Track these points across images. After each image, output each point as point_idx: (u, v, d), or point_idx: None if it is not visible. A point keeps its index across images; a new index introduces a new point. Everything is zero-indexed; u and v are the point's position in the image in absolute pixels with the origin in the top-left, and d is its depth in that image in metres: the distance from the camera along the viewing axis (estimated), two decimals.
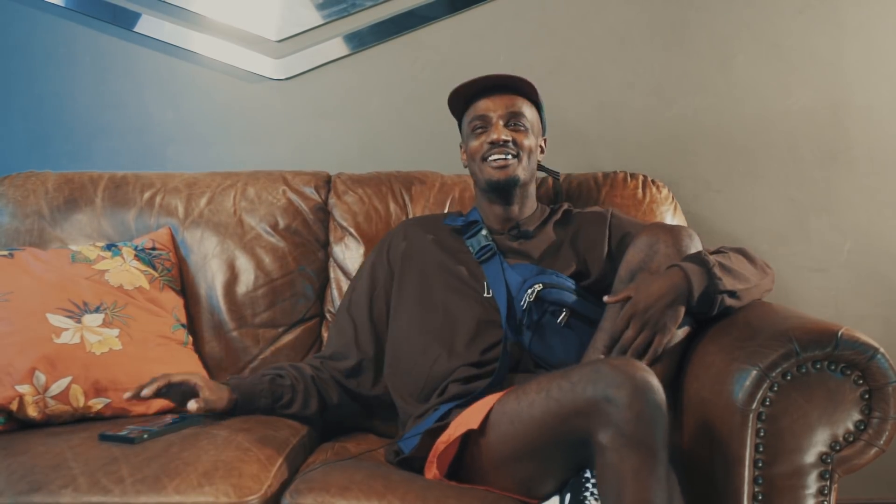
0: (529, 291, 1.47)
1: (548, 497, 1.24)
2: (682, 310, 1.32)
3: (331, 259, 1.86)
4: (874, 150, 2.09)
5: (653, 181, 1.90)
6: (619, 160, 2.05)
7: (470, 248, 1.59)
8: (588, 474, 1.19)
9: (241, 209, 1.85)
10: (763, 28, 2.08)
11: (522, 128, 1.58)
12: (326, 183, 1.91)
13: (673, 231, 1.38)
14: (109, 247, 1.74)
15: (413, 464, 1.39)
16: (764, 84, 2.08)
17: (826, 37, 2.07)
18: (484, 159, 1.57)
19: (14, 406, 1.45)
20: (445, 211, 1.85)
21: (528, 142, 1.58)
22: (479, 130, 1.58)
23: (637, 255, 1.38)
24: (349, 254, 1.83)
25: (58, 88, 2.10)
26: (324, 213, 1.88)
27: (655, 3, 2.08)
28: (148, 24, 2.07)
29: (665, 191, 1.89)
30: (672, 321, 1.31)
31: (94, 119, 2.10)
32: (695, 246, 1.37)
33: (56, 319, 1.55)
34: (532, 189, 1.65)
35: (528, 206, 1.64)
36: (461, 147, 1.68)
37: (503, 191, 1.58)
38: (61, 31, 2.08)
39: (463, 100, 1.62)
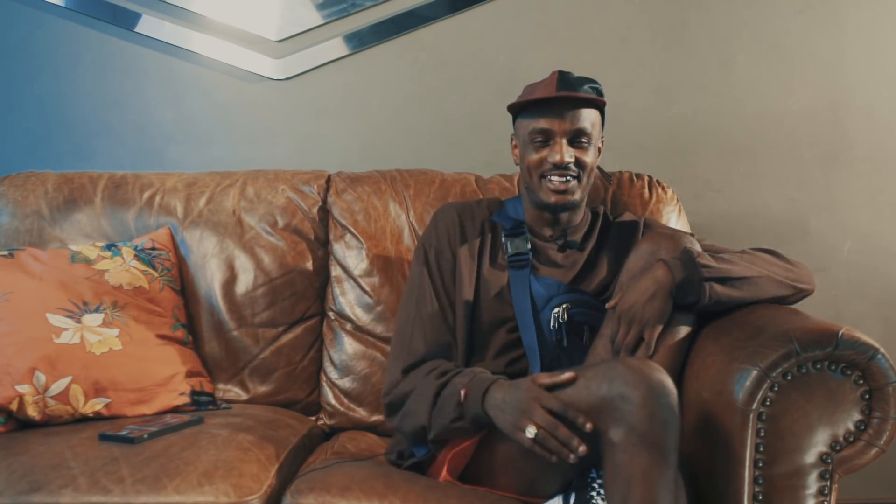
0: (558, 310, 1.44)
1: (551, 497, 1.24)
2: (668, 302, 1.30)
3: (331, 257, 1.85)
4: (874, 150, 2.09)
5: (658, 181, 1.89)
6: (619, 160, 2.05)
7: (505, 248, 1.51)
8: (594, 474, 1.19)
9: (241, 209, 1.85)
10: (763, 28, 2.08)
11: (586, 144, 1.46)
12: (325, 182, 1.91)
13: (674, 238, 1.36)
14: (109, 247, 1.74)
15: (419, 465, 1.39)
16: (764, 84, 2.08)
17: (826, 37, 2.07)
18: (543, 176, 1.46)
19: (14, 406, 1.45)
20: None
21: (590, 158, 1.47)
22: (540, 143, 1.46)
23: (638, 262, 1.36)
24: (350, 252, 1.83)
25: (58, 88, 2.10)
26: (323, 211, 1.88)
27: (655, 4, 2.08)
28: (148, 25, 2.07)
29: (670, 191, 1.89)
30: (656, 314, 1.30)
31: (94, 119, 2.10)
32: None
33: (56, 319, 1.55)
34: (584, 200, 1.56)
35: (578, 214, 1.56)
36: (512, 139, 1.57)
37: (555, 212, 1.51)
38: (62, 31, 2.08)
39: (521, 104, 1.50)
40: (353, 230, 1.84)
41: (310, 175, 1.91)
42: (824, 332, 1.19)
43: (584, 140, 1.46)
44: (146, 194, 1.86)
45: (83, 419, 1.53)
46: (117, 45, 2.09)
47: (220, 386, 1.77)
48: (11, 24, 2.08)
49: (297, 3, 2.07)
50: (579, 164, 1.46)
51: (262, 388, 1.78)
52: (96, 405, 1.53)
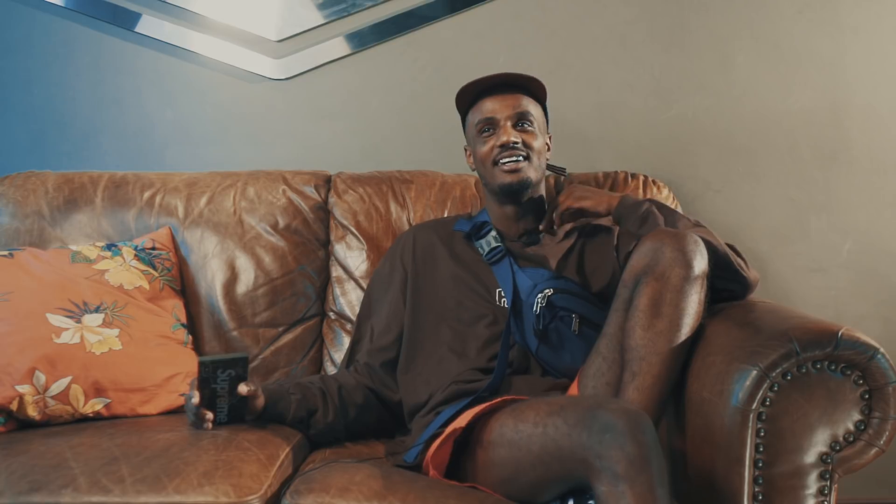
0: (540, 296, 1.46)
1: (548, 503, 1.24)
2: (599, 198, 1.53)
3: (332, 258, 1.86)
4: (874, 150, 2.09)
5: (653, 181, 1.90)
6: (619, 160, 2.05)
7: (479, 249, 1.58)
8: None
9: (241, 209, 1.85)
10: (763, 28, 2.08)
11: (530, 128, 1.54)
12: (326, 182, 1.91)
13: (678, 236, 1.36)
14: (109, 247, 1.74)
15: (417, 465, 1.39)
16: (764, 84, 2.08)
17: (826, 37, 2.07)
18: (495, 163, 1.53)
19: (14, 406, 1.45)
20: (447, 211, 1.85)
21: (537, 142, 1.55)
22: (487, 134, 1.54)
23: (641, 259, 1.36)
24: (351, 252, 1.83)
25: (58, 88, 2.10)
26: (324, 212, 1.88)
27: (655, 4, 2.08)
28: (148, 25, 2.07)
29: (665, 191, 1.89)
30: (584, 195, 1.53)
31: (93, 119, 2.10)
32: (699, 251, 1.35)
33: (56, 319, 1.55)
34: (542, 188, 1.61)
35: (538, 199, 1.60)
36: (466, 150, 1.64)
37: (516, 194, 1.55)
38: (61, 31, 2.08)
39: (468, 98, 1.58)
40: (354, 231, 1.84)
41: (310, 175, 1.91)
42: (824, 331, 1.19)
43: (527, 124, 1.54)
44: (146, 194, 1.87)
45: (83, 419, 1.53)
46: (117, 45, 2.09)
47: None
48: (11, 24, 2.08)
49: (298, 2, 2.07)
50: (526, 145, 1.53)
51: None
52: (96, 405, 1.53)
